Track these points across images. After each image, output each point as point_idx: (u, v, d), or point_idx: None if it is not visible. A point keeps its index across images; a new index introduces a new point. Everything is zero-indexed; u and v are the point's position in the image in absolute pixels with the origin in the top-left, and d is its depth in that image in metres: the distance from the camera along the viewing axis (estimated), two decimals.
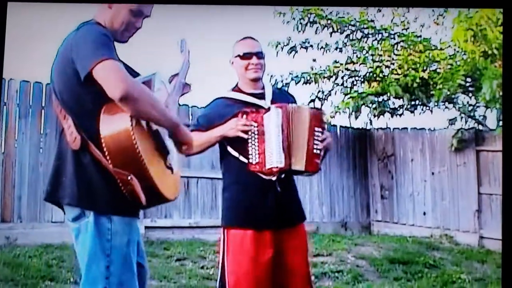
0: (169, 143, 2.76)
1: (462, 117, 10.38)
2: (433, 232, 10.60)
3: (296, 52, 10.76)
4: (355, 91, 10.40)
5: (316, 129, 3.53)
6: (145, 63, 3.10)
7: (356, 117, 10.28)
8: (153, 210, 8.89)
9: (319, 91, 10.84)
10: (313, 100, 10.86)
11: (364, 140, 11.98)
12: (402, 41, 10.41)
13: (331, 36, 10.69)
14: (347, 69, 10.71)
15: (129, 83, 2.42)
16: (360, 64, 10.56)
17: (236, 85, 3.75)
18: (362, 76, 10.73)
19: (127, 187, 2.49)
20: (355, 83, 10.91)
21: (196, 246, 8.28)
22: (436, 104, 10.16)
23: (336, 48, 10.89)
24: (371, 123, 10.98)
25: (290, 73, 10.72)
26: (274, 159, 3.45)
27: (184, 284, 6.50)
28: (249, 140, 3.52)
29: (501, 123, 9.25)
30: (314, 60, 10.81)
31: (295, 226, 3.67)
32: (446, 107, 10.49)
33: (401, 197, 11.38)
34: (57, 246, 7.14)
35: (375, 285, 7.15)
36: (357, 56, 10.73)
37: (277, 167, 3.46)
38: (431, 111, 10.78)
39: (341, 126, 11.69)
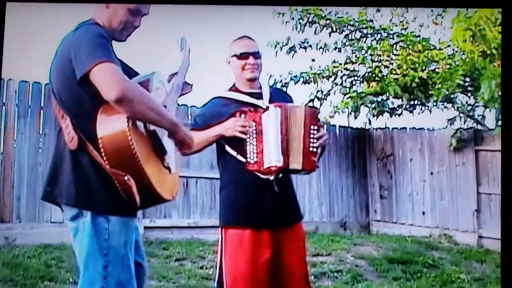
0: (167, 143, 2.76)
1: (461, 117, 10.38)
2: (432, 231, 10.61)
3: (295, 52, 10.77)
4: (354, 91, 10.40)
5: (312, 127, 3.54)
6: (145, 63, 3.11)
7: (355, 117, 10.29)
8: (152, 210, 8.89)
9: (318, 91, 10.84)
10: (312, 100, 10.86)
11: (363, 140, 11.98)
12: (401, 41, 10.42)
13: (330, 36, 10.70)
14: (346, 69, 10.72)
15: (124, 85, 2.42)
16: (359, 64, 10.57)
17: (234, 84, 3.75)
18: (361, 76, 10.74)
19: (124, 187, 2.50)
20: (354, 83, 10.92)
21: (195, 246, 8.27)
22: (435, 104, 10.17)
23: (335, 48, 10.90)
24: (370, 123, 10.98)
25: (289, 73, 10.73)
26: (273, 158, 3.46)
27: (183, 284, 6.49)
28: (247, 139, 3.52)
29: (500, 122, 9.25)
30: (313, 60, 10.82)
31: (293, 226, 3.66)
32: (445, 107, 10.49)
33: (400, 197, 11.38)
34: (56, 246, 7.13)
35: (374, 285, 7.15)
36: (356, 56, 10.74)
37: (275, 166, 3.46)
38: (430, 111, 10.80)
39: (340, 126, 11.69)
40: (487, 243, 9.72)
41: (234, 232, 3.53)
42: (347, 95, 10.29)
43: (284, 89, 10.48)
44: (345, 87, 10.85)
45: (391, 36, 10.72)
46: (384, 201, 11.60)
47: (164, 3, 3.70)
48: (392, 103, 10.73)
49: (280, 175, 3.54)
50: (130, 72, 2.81)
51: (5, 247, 7.29)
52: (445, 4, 8.18)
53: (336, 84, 10.88)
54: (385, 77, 10.19)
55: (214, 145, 3.68)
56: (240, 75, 3.67)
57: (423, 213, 10.95)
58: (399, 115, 10.95)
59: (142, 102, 2.47)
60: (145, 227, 8.70)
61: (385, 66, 10.34)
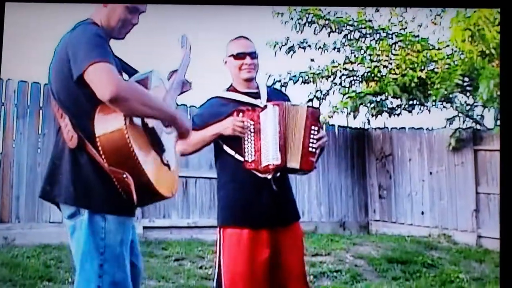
0: (165, 141, 2.78)
1: (460, 117, 10.38)
2: (431, 231, 10.62)
3: (294, 52, 10.77)
4: (353, 91, 10.40)
5: (313, 127, 3.55)
6: (144, 62, 3.12)
7: (354, 117, 10.28)
8: (152, 210, 8.89)
9: (317, 91, 10.84)
10: (311, 100, 10.86)
11: (362, 140, 11.99)
12: (400, 41, 10.41)
13: (329, 36, 10.70)
14: (345, 69, 10.71)
15: (118, 84, 2.44)
16: (358, 64, 10.57)
17: (231, 85, 3.75)
18: (360, 76, 10.74)
19: (122, 185, 2.51)
20: (353, 83, 10.91)
21: (194, 246, 8.27)
22: (433, 103, 10.15)
23: (334, 48, 10.89)
24: (369, 123, 10.97)
25: (288, 73, 10.73)
26: (270, 156, 3.46)
27: (183, 284, 6.49)
28: (245, 138, 3.53)
29: (498, 122, 9.25)
30: (312, 60, 10.82)
31: (291, 225, 3.66)
32: (444, 107, 10.48)
33: (399, 196, 11.38)
34: (55, 247, 7.13)
35: (373, 285, 7.15)
36: (355, 56, 10.74)
37: (273, 165, 3.46)
38: (429, 110, 10.79)
39: (339, 126, 11.70)
40: (486, 242, 9.72)
41: (232, 231, 3.53)
42: (346, 95, 10.28)
43: (283, 89, 10.50)
44: (344, 87, 10.85)
45: (390, 36, 10.71)
46: (383, 201, 11.61)
47: (164, 3, 3.70)
48: (391, 103, 10.73)
49: (278, 174, 3.55)
50: (129, 70, 2.84)
51: (4, 247, 7.29)
52: (444, 4, 8.19)
53: (335, 84, 10.88)
54: (384, 77, 10.19)
55: (212, 145, 3.68)
56: (237, 75, 3.68)
57: (422, 213, 10.96)
58: (398, 115, 10.94)
59: (137, 100, 2.49)
60: (144, 227, 8.70)
61: (384, 66, 10.34)
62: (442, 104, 10.36)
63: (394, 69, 10.15)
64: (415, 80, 9.74)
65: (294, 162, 3.50)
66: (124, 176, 2.48)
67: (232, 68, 3.69)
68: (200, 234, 9.07)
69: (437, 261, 8.39)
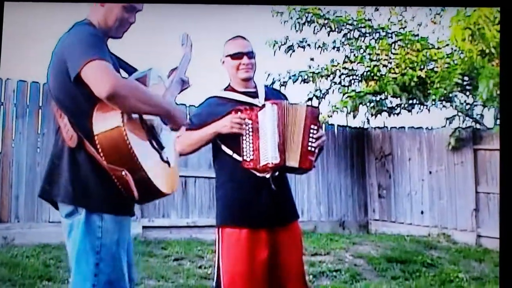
0: (165, 138, 2.80)
1: (459, 116, 10.37)
2: (430, 231, 10.62)
3: (294, 51, 10.76)
4: (352, 90, 10.39)
5: (312, 126, 3.55)
6: (143, 60, 3.12)
7: (354, 117, 10.27)
8: (151, 210, 8.89)
9: (316, 90, 10.83)
10: (310, 99, 10.85)
11: (362, 139, 11.99)
12: (400, 40, 10.41)
13: (328, 35, 10.69)
14: (344, 68, 10.71)
15: (115, 81, 2.46)
16: (358, 63, 10.56)
17: (229, 84, 3.76)
18: (359, 75, 10.73)
19: (122, 182, 2.52)
20: (352, 82, 10.90)
21: (194, 246, 8.27)
22: (433, 103, 10.14)
23: (334, 47, 10.89)
24: (368, 122, 10.96)
25: (288, 72, 10.72)
26: (269, 155, 3.46)
27: (182, 284, 6.48)
28: (243, 137, 3.53)
29: (498, 121, 9.24)
30: (312, 59, 10.81)
31: (290, 225, 3.67)
32: (444, 106, 10.47)
33: (398, 196, 11.39)
34: (55, 246, 7.13)
35: (373, 284, 7.14)
36: (354, 55, 10.73)
37: (272, 164, 3.46)
38: (429, 110, 10.77)
39: (338, 125, 11.71)
40: (486, 242, 9.72)
41: (231, 231, 3.53)
42: (346, 95, 10.27)
43: (283, 88, 10.52)
44: (344, 86, 10.84)
45: (389, 35, 10.71)
46: (382, 201, 11.61)
47: (163, 2, 3.69)
48: (391, 102, 10.72)
49: (277, 173, 3.55)
50: (128, 69, 2.86)
51: (4, 247, 7.29)
52: (443, 3, 8.17)
53: (335, 83, 10.87)
54: (383, 76, 10.17)
55: (211, 144, 3.68)
56: (235, 75, 3.69)
57: (422, 212, 10.96)
58: (397, 114, 10.93)
59: (134, 97, 2.51)
60: (144, 227, 8.71)
61: (384, 65, 10.33)
62: (441, 103, 10.35)
63: (393, 68, 10.14)
64: (415, 79, 9.73)
65: (293, 160, 3.50)
66: (123, 173, 2.49)
67: (229, 68, 3.70)
68: (200, 234, 9.07)
69: (436, 261, 8.39)
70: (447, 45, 10.04)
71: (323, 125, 10.68)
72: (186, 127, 3.49)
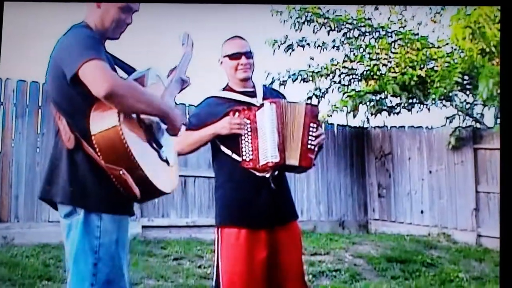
0: (164, 137, 2.81)
1: (459, 115, 10.37)
2: (430, 230, 10.61)
3: (293, 50, 10.75)
4: (352, 90, 10.38)
5: (311, 124, 3.55)
6: (142, 60, 3.12)
7: (354, 116, 10.26)
8: (151, 209, 8.89)
9: (316, 89, 10.82)
10: (310, 98, 10.84)
11: (362, 139, 11.98)
12: (400, 39, 10.40)
13: (328, 34, 10.69)
14: (344, 67, 10.70)
15: (113, 80, 2.48)
16: (358, 62, 10.55)
17: (227, 84, 3.76)
18: (359, 74, 10.73)
19: (120, 181, 2.53)
20: (352, 81, 10.90)
21: (193, 245, 8.27)
22: (433, 102, 10.14)
23: (333, 47, 10.88)
24: (368, 122, 10.97)
25: (287, 71, 10.72)
26: (269, 154, 3.46)
27: (182, 284, 6.48)
28: (242, 137, 3.53)
29: (498, 120, 9.24)
30: (312, 58, 10.81)
31: (289, 225, 3.66)
32: (444, 105, 10.47)
33: (398, 195, 11.38)
34: (54, 246, 7.12)
35: (372, 284, 7.13)
36: (354, 54, 10.72)
37: (272, 162, 3.46)
38: (429, 109, 10.77)
39: (338, 125, 11.70)
40: (486, 241, 9.71)
41: (231, 231, 3.53)
42: (346, 94, 10.27)
43: (282, 87, 10.52)
44: (344, 85, 10.84)
45: (389, 34, 10.70)
46: (382, 200, 11.60)
47: (163, 2, 3.69)
48: (391, 101, 10.72)
49: (276, 173, 3.55)
50: (127, 69, 2.87)
51: (3, 246, 7.29)
52: (443, 2, 8.17)
53: (335, 82, 10.86)
54: (383, 75, 10.17)
55: (210, 144, 3.68)
56: (233, 75, 3.68)
57: (422, 212, 10.95)
58: (397, 113, 10.93)
59: (131, 96, 2.53)
60: (143, 226, 8.70)
61: (384, 65, 10.33)
62: (441, 102, 10.35)
63: (393, 68, 10.15)
64: (415, 78, 9.73)
65: (293, 159, 3.50)
66: (121, 172, 2.51)
67: (227, 68, 3.70)
68: (199, 233, 9.06)
69: (436, 260, 8.38)
70: (447, 44, 10.05)
71: (323, 124, 10.66)
72: (185, 127, 3.49)
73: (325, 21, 10.46)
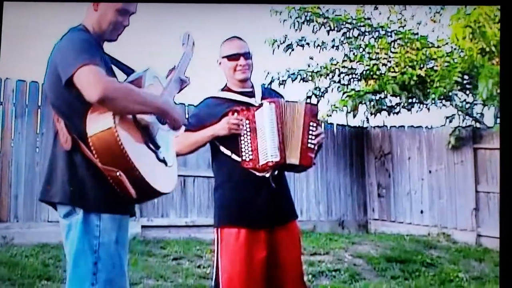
0: (162, 137, 2.81)
1: (459, 115, 10.37)
2: (430, 230, 10.60)
3: (293, 50, 10.74)
4: (352, 89, 10.38)
5: (311, 124, 3.57)
6: (142, 60, 3.12)
7: (354, 116, 10.25)
8: (150, 209, 8.89)
9: (315, 88, 10.82)
10: (309, 97, 10.84)
11: (361, 138, 11.97)
12: (399, 38, 10.39)
13: (328, 34, 10.68)
14: (344, 67, 10.70)
15: (105, 85, 2.49)
16: (357, 62, 10.55)
17: (226, 85, 3.76)
18: (359, 74, 10.72)
19: (117, 182, 2.55)
20: (352, 81, 10.90)
21: (192, 245, 8.27)
22: (433, 102, 10.14)
23: (333, 46, 10.87)
24: (368, 121, 10.96)
25: (287, 71, 10.71)
26: (269, 153, 3.47)
27: (181, 283, 6.48)
28: (242, 138, 3.54)
29: (498, 120, 9.24)
30: (311, 58, 10.81)
31: (289, 224, 3.67)
32: (443, 105, 10.46)
33: (398, 195, 11.37)
34: (54, 246, 7.11)
35: (372, 284, 7.14)
36: (354, 54, 10.71)
37: (272, 162, 3.47)
38: (428, 109, 10.76)
39: (337, 124, 11.69)
40: (486, 241, 9.71)
41: (230, 231, 3.53)
42: (346, 94, 10.26)
43: (282, 86, 10.52)
44: (343, 85, 10.83)
45: (389, 34, 10.69)
46: (382, 200, 11.59)
47: (163, 2, 3.69)
48: (390, 101, 10.71)
49: (276, 172, 3.55)
50: (126, 70, 2.89)
51: (3, 246, 7.29)
52: (443, 1, 8.17)
53: (334, 82, 10.86)
54: (383, 75, 10.17)
55: (209, 145, 3.68)
56: (232, 76, 3.69)
57: (422, 211, 10.94)
58: (397, 113, 10.93)
59: (126, 99, 2.55)
60: (143, 226, 8.70)
61: (383, 64, 10.32)
62: (441, 102, 10.35)
63: (393, 67, 10.14)
64: (414, 78, 9.72)
65: (293, 158, 3.51)
66: (118, 174, 2.52)
67: (226, 69, 3.70)
68: (199, 233, 9.06)
69: (436, 260, 8.38)
70: (447, 43, 10.04)
71: (322, 124, 10.65)
72: (185, 128, 3.49)
73: (325, 20, 10.45)
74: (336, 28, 10.62)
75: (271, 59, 10.80)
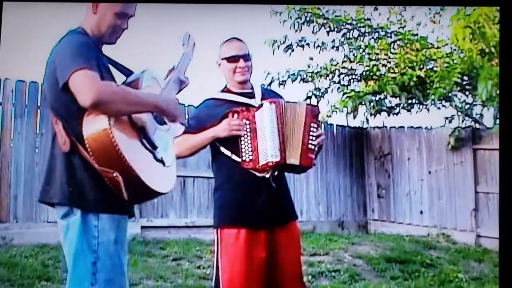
0: (160, 138, 2.82)
1: (459, 116, 10.37)
2: (430, 231, 10.60)
3: (293, 50, 10.74)
4: (351, 90, 10.38)
5: (312, 124, 3.58)
6: (142, 61, 3.12)
7: (354, 117, 10.24)
8: (150, 210, 8.89)
9: (315, 89, 10.82)
10: (309, 97, 10.83)
11: (361, 139, 11.98)
12: (399, 39, 10.39)
13: (328, 35, 10.68)
14: (344, 67, 10.69)
15: (98, 89, 2.51)
16: (357, 62, 10.54)
17: (225, 86, 3.76)
18: (359, 75, 10.72)
19: (113, 183, 2.56)
20: (352, 81, 10.89)
21: (192, 246, 8.26)
22: (433, 102, 10.13)
23: (333, 47, 10.86)
24: (367, 122, 10.94)
25: (287, 71, 10.71)
26: (269, 154, 3.47)
27: (181, 284, 6.48)
28: (242, 138, 3.54)
29: (498, 121, 9.23)
30: (311, 59, 10.80)
31: (288, 225, 3.67)
32: (443, 106, 10.46)
33: (398, 196, 11.37)
34: (53, 246, 7.11)
35: (372, 284, 7.14)
36: (353, 54, 10.71)
37: (272, 162, 3.47)
38: (428, 109, 10.76)
39: (337, 125, 11.70)
40: (485, 242, 9.71)
41: (230, 231, 3.53)
42: (346, 95, 10.25)
43: (282, 87, 10.52)
44: (343, 85, 10.83)
45: (388, 35, 10.69)
46: (381, 200, 11.60)
47: (163, 2, 3.69)
48: (390, 102, 10.71)
49: (276, 173, 3.55)
50: (124, 72, 2.90)
51: (2, 247, 7.28)
52: (443, 2, 8.17)
53: (334, 83, 10.86)
54: (382, 75, 10.16)
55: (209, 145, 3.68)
56: (231, 77, 3.69)
57: (421, 212, 10.95)
58: (397, 114, 10.92)
59: (120, 101, 2.57)
60: (142, 227, 8.70)
61: (383, 65, 10.32)
62: (441, 103, 10.34)
63: (393, 68, 10.13)
64: (414, 79, 9.72)
65: (293, 158, 3.51)
66: (114, 175, 2.53)
67: (225, 71, 3.71)
68: (198, 234, 9.06)
69: (436, 261, 8.39)
70: (447, 44, 10.03)
71: (322, 125, 10.65)
72: (184, 130, 3.49)
73: (325, 21, 10.45)
74: (336, 29, 10.61)
75: (271, 60, 10.79)
